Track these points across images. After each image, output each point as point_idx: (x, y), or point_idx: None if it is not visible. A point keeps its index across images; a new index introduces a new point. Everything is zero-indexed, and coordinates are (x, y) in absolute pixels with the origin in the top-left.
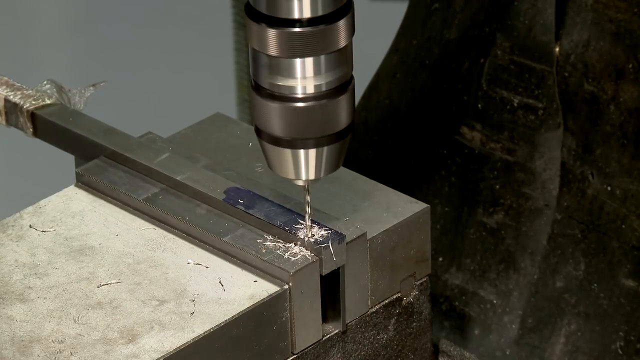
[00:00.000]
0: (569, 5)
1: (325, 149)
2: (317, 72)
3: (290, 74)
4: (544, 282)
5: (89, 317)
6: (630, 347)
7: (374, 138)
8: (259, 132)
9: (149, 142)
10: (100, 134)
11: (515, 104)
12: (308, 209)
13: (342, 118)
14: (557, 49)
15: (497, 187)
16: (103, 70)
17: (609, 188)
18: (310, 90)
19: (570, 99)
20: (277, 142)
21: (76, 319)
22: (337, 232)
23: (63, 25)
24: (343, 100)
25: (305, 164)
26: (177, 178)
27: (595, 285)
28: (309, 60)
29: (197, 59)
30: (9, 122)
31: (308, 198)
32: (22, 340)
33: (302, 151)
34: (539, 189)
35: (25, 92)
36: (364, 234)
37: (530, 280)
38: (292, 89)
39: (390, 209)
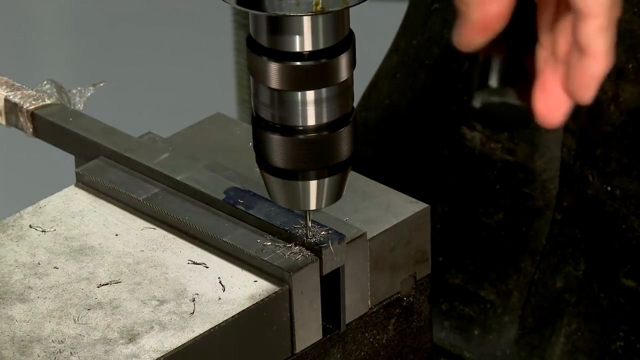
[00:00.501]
0: None
1: (326, 180)
2: (318, 104)
3: (291, 106)
4: (544, 282)
5: (89, 317)
6: (630, 347)
7: (374, 138)
8: (259, 162)
9: (149, 142)
10: (100, 134)
11: (516, 104)
12: (309, 232)
13: (344, 150)
14: None
15: (497, 187)
16: (103, 70)
17: (609, 188)
18: (312, 122)
19: None
20: (278, 173)
21: (76, 319)
22: (337, 232)
23: (63, 25)
24: (344, 132)
25: (306, 195)
26: (177, 178)
27: (595, 285)
28: (310, 93)
29: (197, 59)
30: (9, 122)
31: (309, 233)
32: (22, 340)
33: (302, 182)
34: (539, 189)
35: (25, 92)
36: (364, 234)
37: (530, 280)
38: (292, 121)
39: (390, 209)
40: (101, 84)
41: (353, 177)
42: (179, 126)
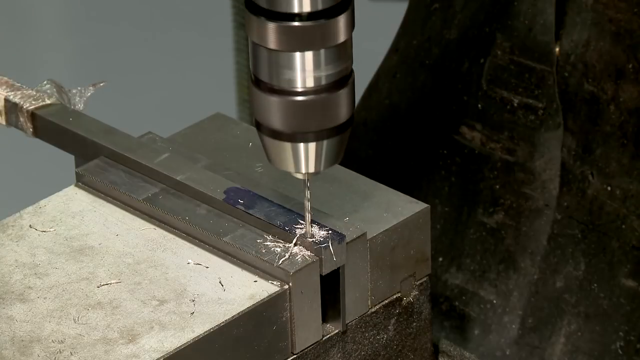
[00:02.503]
0: (569, 5)
1: (325, 142)
2: (316, 66)
3: (290, 67)
4: (544, 282)
5: (89, 317)
6: (630, 347)
7: (374, 138)
8: (258, 125)
9: (149, 142)
10: (100, 134)
11: (515, 104)
12: (308, 205)
13: (342, 112)
14: (557, 49)
15: (497, 187)
16: (103, 70)
17: (609, 188)
18: (310, 84)
19: (570, 99)
20: (277, 135)
21: (76, 319)
22: (337, 232)
23: (63, 25)
24: (343, 94)
25: (305, 158)
26: (177, 178)
27: (595, 285)
28: (309, 54)
29: (197, 59)
30: (9, 122)
31: (308, 194)
32: (22, 340)
33: (302, 145)
34: (539, 189)
35: (25, 92)
36: (364, 234)
37: (530, 280)
38: (292, 82)
39: (390, 209)
40: (101, 84)
41: (353, 177)
42: (179, 126)
